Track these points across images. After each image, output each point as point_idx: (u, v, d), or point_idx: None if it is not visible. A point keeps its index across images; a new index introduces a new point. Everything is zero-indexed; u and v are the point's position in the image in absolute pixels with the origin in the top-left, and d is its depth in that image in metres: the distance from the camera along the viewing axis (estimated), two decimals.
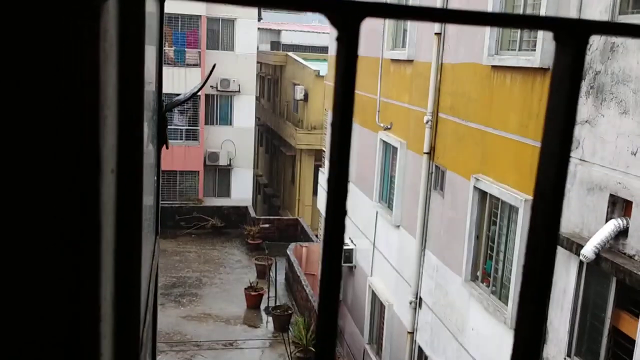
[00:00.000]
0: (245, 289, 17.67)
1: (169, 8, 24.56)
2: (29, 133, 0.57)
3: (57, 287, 0.61)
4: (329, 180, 0.47)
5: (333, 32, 0.45)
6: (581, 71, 0.49)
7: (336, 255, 0.48)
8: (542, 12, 7.36)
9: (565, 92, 0.49)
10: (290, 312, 16.57)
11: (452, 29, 10.03)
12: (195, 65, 25.31)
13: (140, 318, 1.16)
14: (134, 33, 0.88)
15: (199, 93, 24.72)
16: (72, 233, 0.61)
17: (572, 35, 0.47)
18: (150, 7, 1.57)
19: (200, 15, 25.29)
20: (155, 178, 2.14)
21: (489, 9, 8.55)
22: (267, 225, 22.75)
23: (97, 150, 0.60)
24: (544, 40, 7.30)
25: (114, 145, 0.81)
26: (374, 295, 13.35)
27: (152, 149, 1.99)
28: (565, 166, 0.51)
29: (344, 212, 0.47)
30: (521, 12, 8.13)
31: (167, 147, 2.22)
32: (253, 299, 17.43)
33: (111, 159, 0.78)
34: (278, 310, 16.52)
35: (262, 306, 17.49)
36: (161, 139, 2.14)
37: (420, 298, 11.03)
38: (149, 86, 1.80)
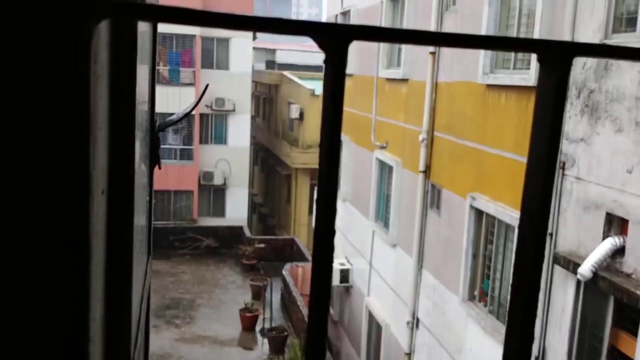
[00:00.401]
0: (240, 310, 17.52)
1: (163, 28, 24.71)
2: (18, 154, 0.57)
3: (45, 308, 0.62)
4: (318, 201, 0.48)
5: (322, 55, 0.45)
6: (565, 92, 0.46)
7: (325, 275, 0.49)
8: (536, 30, 7.40)
9: (549, 112, 0.46)
10: (286, 333, 16.41)
11: (447, 48, 10.07)
12: (189, 84, 25.38)
13: (131, 339, 1.16)
14: (125, 55, 0.90)
15: (193, 112, 24.78)
16: (61, 254, 0.61)
17: (556, 57, 0.44)
18: (143, 26, 1.55)
19: (194, 35, 25.43)
20: (148, 198, 2.11)
21: (483, 28, 8.60)
22: (262, 245, 22.63)
23: (87, 171, 0.60)
24: None
25: (105, 166, 0.81)
26: (370, 316, 13.24)
27: (145, 169, 1.97)
28: (550, 185, 0.49)
29: (332, 231, 0.50)
30: (515, 30, 8.17)
31: (159, 168, 2.19)
32: (248, 321, 17.27)
33: (102, 179, 0.79)
34: (274, 332, 16.36)
35: (258, 328, 17.33)
36: (154, 159, 2.12)
37: (418, 318, 10.93)
38: (142, 106, 1.78)
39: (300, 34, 0.45)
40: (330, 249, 0.50)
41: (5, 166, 0.57)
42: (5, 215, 0.58)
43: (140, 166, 1.78)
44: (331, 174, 0.47)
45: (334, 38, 0.44)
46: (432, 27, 10.27)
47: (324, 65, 0.45)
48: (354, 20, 14.63)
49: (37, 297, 0.61)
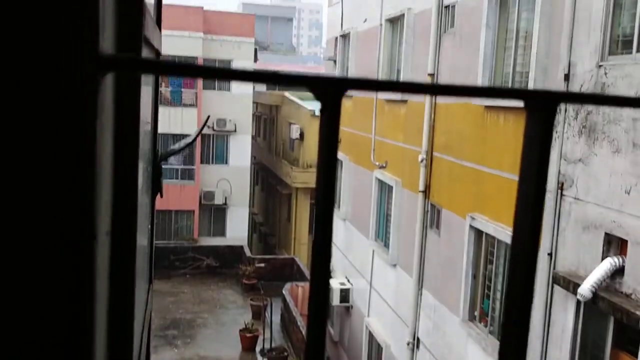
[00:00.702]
0: (240, 330, 17.44)
1: (165, 49, 24.95)
2: (25, 201, 0.58)
3: (48, 342, 0.61)
4: (314, 245, 0.48)
5: (318, 104, 0.49)
6: (550, 138, 0.50)
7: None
8: (533, 52, 7.49)
9: (536, 157, 0.50)
10: (286, 354, 16.31)
11: (445, 70, 10.18)
12: (191, 105, 25.54)
13: None
14: (129, 102, 0.92)
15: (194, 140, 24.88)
16: (65, 299, 0.61)
17: (541, 105, 0.49)
18: (146, 54, 1.59)
19: (196, 57, 25.64)
20: (149, 226, 2.13)
21: (481, 49, 8.71)
22: (262, 265, 22.58)
23: (92, 216, 0.61)
24: (536, 80, 7.41)
25: (108, 210, 0.82)
26: (371, 336, 13.18)
27: (147, 198, 1.99)
28: (538, 228, 0.52)
29: (327, 278, 0.48)
30: (512, 52, 8.27)
31: (161, 196, 2.21)
32: (248, 341, 17.18)
33: (106, 222, 0.80)
34: (274, 352, 16.27)
35: (258, 348, 17.23)
36: (156, 188, 2.14)
37: (418, 338, 10.89)
38: (144, 135, 1.81)
39: (298, 85, 0.49)
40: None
41: (11, 210, 0.58)
42: (10, 257, 0.58)
43: (142, 195, 1.83)
44: (327, 218, 0.48)
45: (329, 89, 0.47)
46: (430, 49, 10.39)
47: (319, 113, 0.49)
48: (353, 41, 14.78)
49: (43, 334, 0.61)
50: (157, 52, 2.02)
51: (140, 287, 1.71)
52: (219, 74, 0.49)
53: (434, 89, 0.49)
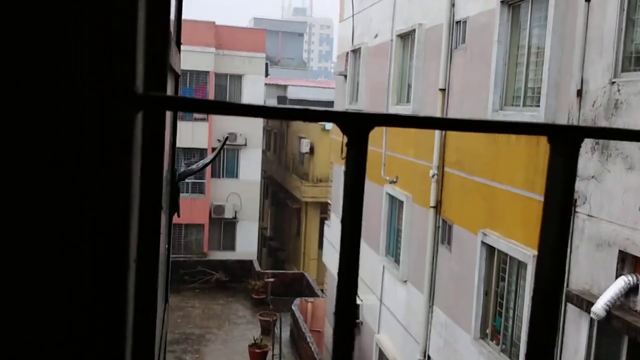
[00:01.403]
0: (249, 346, 17.35)
1: None
2: (67, 236, 0.60)
3: None
4: (338, 288, 0.50)
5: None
6: (575, 172, 0.49)
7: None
8: (545, 69, 7.47)
9: (559, 192, 0.48)
10: None
11: (456, 85, 10.17)
12: (202, 119, 25.66)
13: None
14: (156, 137, 0.94)
15: (205, 147, 24.99)
16: (98, 331, 0.62)
17: (565, 140, 0.47)
18: (169, 80, 1.60)
19: (208, 72, 25.81)
20: (167, 246, 2.13)
21: (493, 66, 8.70)
22: (271, 280, 22.52)
23: (126, 243, 0.63)
24: (548, 96, 7.37)
25: (135, 236, 0.84)
26: (381, 353, 13.07)
27: (165, 218, 1.99)
28: (562, 265, 0.51)
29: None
30: (524, 69, 8.25)
31: (178, 216, 2.21)
32: (257, 357, 17.09)
33: (134, 249, 0.81)
34: None
35: None
36: (173, 208, 2.14)
37: (429, 356, 10.78)
38: (165, 156, 1.82)
39: (327, 121, 0.49)
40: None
41: (46, 240, 0.59)
42: (50, 293, 0.60)
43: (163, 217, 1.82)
44: (353, 243, 0.49)
45: (356, 125, 0.47)
46: (441, 65, 10.39)
47: (347, 148, 0.49)
48: (364, 56, 14.82)
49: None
50: (177, 75, 2.02)
51: (159, 307, 1.71)
52: (245, 110, 0.49)
53: (457, 124, 0.48)
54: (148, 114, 0.88)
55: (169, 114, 1.68)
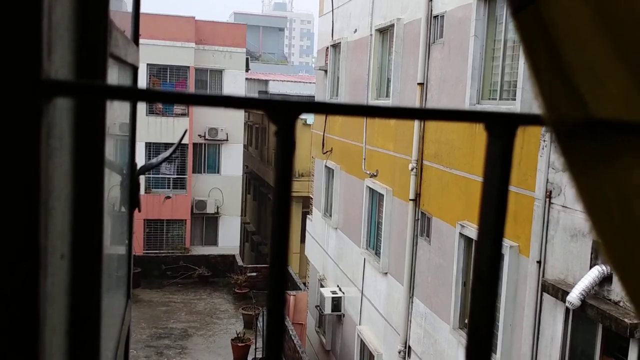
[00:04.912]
0: (232, 340, 17.38)
1: (157, 59, 24.92)
2: None
3: None
4: (270, 267, 0.51)
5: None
6: (511, 159, 0.54)
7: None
8: (521, 63, 7.58)
9: (497, 178, 0.54)
10: None
11: (434, 79, 10.27)
12: (183, 114, 25.52)
13: None
14: (92, 123, 0.90)
15: (186, 142, 24.86)
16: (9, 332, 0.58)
17: (501, 127, 0.53)
18: (117, 71, 1.56)
19: (188, 66, 25.67)
20: (127, 241, 2.12)
21: (470, 59, 8.80)
22: (254, 274, 22.55)
23: (36, 240, 0.58)
24: (524, 89, 7.49)
25: (64, 232, 0.81)
26: (362, 345, 13.18)
27: (125, 212, 1.99)
28: (498, 254, 0.54)
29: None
30: (500, 62, 8.36)
31: (139, 210, 2.21)
32: (240, 351, 17.13)
33: (61, 245, 0.78)
34: None
35: (250, 357, 17.18)
36: (133, 203, 2.14)
37: (409, 347, 10.91)
38: (122, 149, 1.82)
39: (256, 109, 0.52)
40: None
41: None
42: None
43: (120, 210, 1.80)
44: (283, 232, 0.50)
45: (283, 112, 0.50)
46: (420, 59, 10.48)
47: (275, 136, 0.52)
48: (344, 51, 14.87)
49: None
50: (134, 67, 2.02)
51: (116, 304, 1.70)
52: (164, 97, 0.51)
53: (391, 112, 0.52)
54: (83, 103, 0.86)
55: (121, 106, 1.66)
